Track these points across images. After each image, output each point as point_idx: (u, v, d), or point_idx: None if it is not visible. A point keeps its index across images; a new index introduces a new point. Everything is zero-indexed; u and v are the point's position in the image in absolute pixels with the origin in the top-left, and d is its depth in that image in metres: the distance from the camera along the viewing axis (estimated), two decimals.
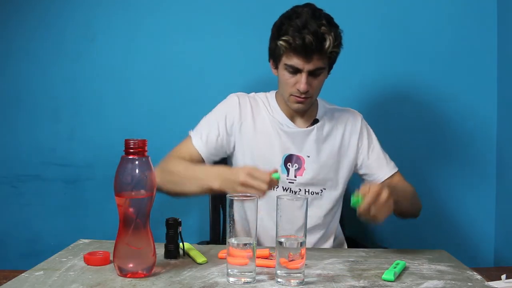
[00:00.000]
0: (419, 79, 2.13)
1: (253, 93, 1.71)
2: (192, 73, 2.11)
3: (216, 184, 1.41)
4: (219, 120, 1.62)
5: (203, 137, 1.60)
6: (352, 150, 1.66)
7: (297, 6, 1.53)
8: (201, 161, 1.59)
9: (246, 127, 1.62)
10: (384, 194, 1.31)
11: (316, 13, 1.50)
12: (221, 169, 1.46)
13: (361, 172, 1.69)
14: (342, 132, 1.67)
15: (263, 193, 1.32)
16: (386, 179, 1.65)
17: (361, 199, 1.29)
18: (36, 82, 2.09)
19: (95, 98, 2.10)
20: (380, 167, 1.67)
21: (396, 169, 1.68)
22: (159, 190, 1.55)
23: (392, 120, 2.14)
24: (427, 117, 2.13)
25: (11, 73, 2.10)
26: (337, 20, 1.56)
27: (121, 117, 2.09)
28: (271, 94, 1.70)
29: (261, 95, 1.70)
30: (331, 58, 1.54)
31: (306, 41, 1.45)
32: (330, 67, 1.59)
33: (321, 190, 1.62)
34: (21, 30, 2.08)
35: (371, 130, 1.71)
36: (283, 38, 1.48)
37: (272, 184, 1.33)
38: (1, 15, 2.08)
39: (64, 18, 2.09)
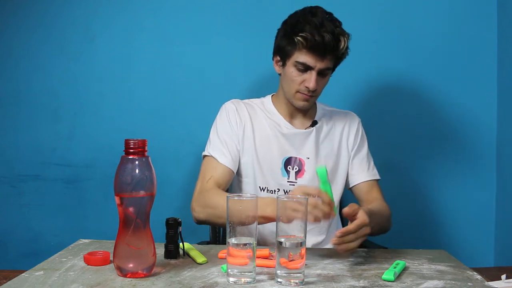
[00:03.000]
0: (419, 79, 2.13)
1: (246, 99, 1.71)
2: (192, 73, 2.11)
3: (269, 211, 1.32)
4: (227, 129, 1.62)
5: (226, 152, 1.59)
6: (349, 150, 1.67)
7: (309, 7, 1.56)
8: (231, 174, 1.59)
9: (247, 131, 1.62)
10: (366, 230, 1.26)
11: (328, 16, 1.53)
12: (272, 198, 1.37)
13: None
14: (341, 132, 1.67)
15: (316, 219, 1.25)
16: (361, 183, 1.64)
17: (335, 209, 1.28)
18: (36, 82, 2.09)
19: (95, 98, 2.10)
20: (360, 170, 1.66)
21: (376, 177, 1.66)
22: (205, 223, 1.56)
23: (392, 120, 2.14)
24: (427, 116, 2.14)
25: (11, 73, 2.10)
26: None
27: (121, 117, 2.09)
28: (267, 99, 1.70)
29: (255, 100, 1.71)
30: (340, 60, 1.57)
31: (325, 39, 1.47)
32: (334, 69, 1.60)
33: None
34: (21, 30, 2.09)
35: (365, 136, 1.71)
36: (301, 34, 1.49)
37: (327, 207, 1.26)
38: (1, 15, 2.08)
39: (64, 18, 2.09)
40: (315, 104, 1.69)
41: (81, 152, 2.10)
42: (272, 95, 1.70)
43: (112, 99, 2.10)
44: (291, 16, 1.57)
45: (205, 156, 1.62)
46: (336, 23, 1.52)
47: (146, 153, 1.13)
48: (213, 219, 1.51)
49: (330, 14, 1.55)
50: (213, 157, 1.59)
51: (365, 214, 1.27)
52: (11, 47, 2.09)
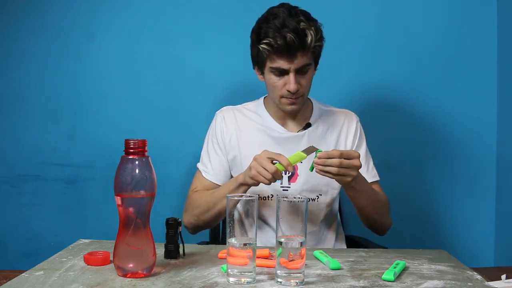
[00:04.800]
0: (418, 80, 2.13)
1: (239, 105, 1.70)
2: (192, 73, 2.11)
3: (240, 178, 1.46)
4: (214, 145, 1.65)
5: (209, 169, 1.63)
6: None
7: (271, 8, 1.52)
8: (217, 186, 1.62)
9: (235, 141, 1.62)
10: (355, 162, 1.36)
11: (292, 11, 1.48)
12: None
13: None
14: (338, 134, 1.65)
15: (267, 181, 1.38)
16: None
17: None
18: (36, 82, 2.09)
19: (95, 98, 2.10)
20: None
21: (376, 178, 1.64)
22: (198, 227, 1.61)
23: (392, 120, 2.14)
24: (427, 116, 2.13)
25: (12, 73, 2.10)
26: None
27: (121, 117, 2.09)
28: (260, 101, 1.69)
29: (248, 105, 1.70)
30: (315, 53, 1.52)
31: (288, 40, 1.43)
32: (316, 63, 1.56)
33: (317, 196, 1.60)
34: (21, 30, 2.08)
35: (363, 135, 1.69)
36: (264, 41, 1.46)
37: (277, 175, 1.38)
38: (2, 15, 2.08)
39: (64, 18, 2.09)
40: (311, 103, 1.67)
41: (81, 152, 2.10)
42: (264, 97, 1.68)
43: (112, 99, 2.10)
44: (256, 23, 1.53)
45: (197, 167, 1.68)
46: (300, 17, 1.46)
47: (146, 153, 1.13)
48: (202, 218, 1.55)
49: (295, 8, 1.49)
50: (200, 171, 1.65)
51: (355, 151, 1.39)
52: (11, 47, 2.09)
